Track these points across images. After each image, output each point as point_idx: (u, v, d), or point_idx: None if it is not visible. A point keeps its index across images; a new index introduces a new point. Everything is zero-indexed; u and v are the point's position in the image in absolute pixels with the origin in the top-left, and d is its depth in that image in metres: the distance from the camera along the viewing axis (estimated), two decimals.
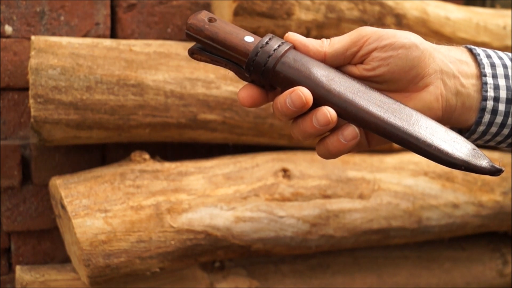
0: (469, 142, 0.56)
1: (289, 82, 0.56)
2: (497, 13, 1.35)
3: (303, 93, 0.55)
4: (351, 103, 0.55)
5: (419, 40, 0.58)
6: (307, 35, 1.04)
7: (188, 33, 0.57)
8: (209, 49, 0.57)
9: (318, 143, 0.58)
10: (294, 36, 0.58)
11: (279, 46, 0.56)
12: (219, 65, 0.59)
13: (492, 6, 1.52)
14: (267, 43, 0.56)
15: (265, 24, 1.09)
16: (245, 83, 0.58)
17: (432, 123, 0.56)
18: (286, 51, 0.56)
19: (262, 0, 1.06)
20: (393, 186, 1.19)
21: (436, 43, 0.60)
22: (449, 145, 0.54)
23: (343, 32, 0.64)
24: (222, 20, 0.57)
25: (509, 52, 0.63)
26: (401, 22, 1.19)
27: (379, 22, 1.17)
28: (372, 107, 0.55)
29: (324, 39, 0.59)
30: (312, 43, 0.58)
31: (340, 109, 0.55)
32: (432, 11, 1.24)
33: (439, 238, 1.30)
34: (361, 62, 0.58)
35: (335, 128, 0.56)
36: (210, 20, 0.57)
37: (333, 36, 0.59)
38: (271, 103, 0.58)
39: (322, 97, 0.55)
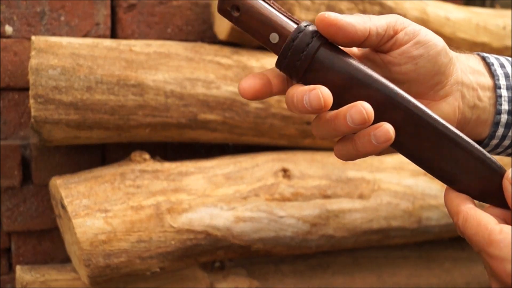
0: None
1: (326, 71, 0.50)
2: (497, 13, 1.35)
3: (323, 95, 0.47)
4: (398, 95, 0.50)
5: (447, 46, 0.54)
6: None
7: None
8: None
9: (341, 141, 0.52)
10: (332, 20, 0.49)
11: (308, 44, 0.50)
12: None
13: (492, 6, 1.52)
14: (293, 40, 0.50)
15: None
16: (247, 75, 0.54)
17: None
18: (317, 50, 0.50)
19: None
20: (393, 186, 1.19)
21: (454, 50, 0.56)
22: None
23: None
24: (247, 4, 0.53)
25: (509, 53, 0.62)
26: None
27: None
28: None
29: (360, 14, 0.52)
30: (358, 22, 0.50)
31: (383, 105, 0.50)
32: (431, 11, 1.24)
33: (439, 238, 1.30)
34: (386, 52, 0.53)
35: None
36: (237, 8, 0.53)
37: None
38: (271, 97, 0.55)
39: (360, 90, 0.50)
